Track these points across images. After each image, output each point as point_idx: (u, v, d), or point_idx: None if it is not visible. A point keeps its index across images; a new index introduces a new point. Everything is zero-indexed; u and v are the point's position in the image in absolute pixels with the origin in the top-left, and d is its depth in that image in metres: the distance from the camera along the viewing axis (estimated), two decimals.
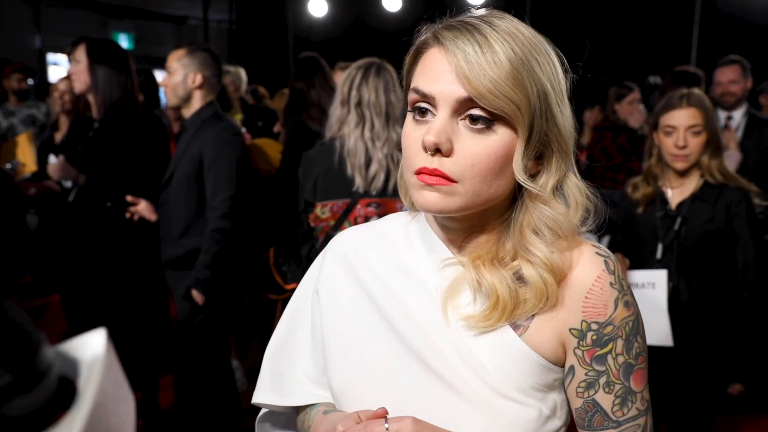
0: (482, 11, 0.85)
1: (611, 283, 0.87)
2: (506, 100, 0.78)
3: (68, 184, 3.12)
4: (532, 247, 0.86)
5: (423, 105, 0.83)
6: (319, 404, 1.01)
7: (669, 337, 2.27)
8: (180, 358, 2.94)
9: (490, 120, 0.80)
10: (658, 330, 2.27)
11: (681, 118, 2.24)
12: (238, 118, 4.28)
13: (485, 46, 0.78)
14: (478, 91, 0.77)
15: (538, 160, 0.85)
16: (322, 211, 2.49)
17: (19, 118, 5.35)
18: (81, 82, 2.91)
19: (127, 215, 2.89)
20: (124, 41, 12.35)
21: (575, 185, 0.88)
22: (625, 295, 0.88)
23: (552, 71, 0.83)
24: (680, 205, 2.32)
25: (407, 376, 0.90)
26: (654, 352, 2.31)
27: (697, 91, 2.35)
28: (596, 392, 0.87)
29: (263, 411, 1.10)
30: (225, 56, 12.44)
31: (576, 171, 0.89)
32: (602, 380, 0.87)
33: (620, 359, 0.87)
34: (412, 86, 0.85)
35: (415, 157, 0.83)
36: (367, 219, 2.39)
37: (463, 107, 0.80)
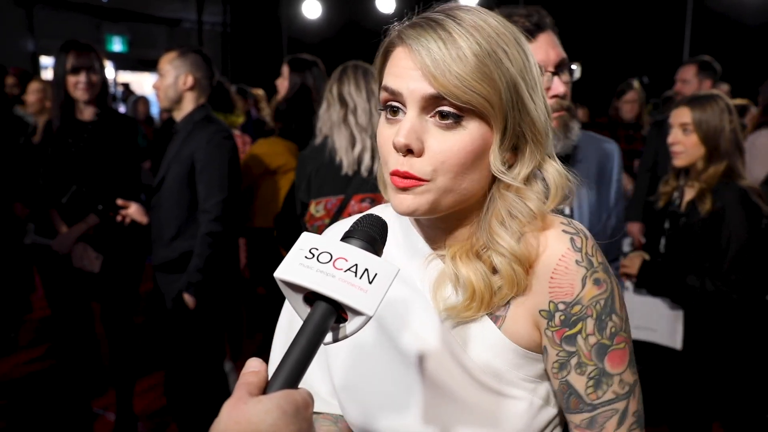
0: (449, 4, 0.85)
1: (577, 261, 0.84)
2: (473, 94, 0.78)
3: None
4: (498, 238, 0.85)
5: (394, 103, 0.83)
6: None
7: (679, 341, 2.30)
8: (172, 360, 2.93)
9: (459, 115, 0.80)
10: (670, 332, 2.32)
11: (673, 116, 2.38)
12: (239, 120, 4.24)
13: (449, 41, 0.78)
14: (444, 87, 0.77)
15: (513, 151, 0.85)
16: (317, 209, 2.49)
17: None
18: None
19: (119, 218, 2.89)
20: (117, 44, 12.32)
21: (555, 170, 0.87)
22: (595, 272, 0.85)
23: (522, 60, 0.82)
24: (688, 203, 2.34)
25: (400, 377, 0.90)
26: (659, 352, 2.34)
27: (702, 92, 2.42)
28: (568, 373, 0.86)
29: None
30: (219, 59, 12.43)
31: (555, 156, 0.88)
32: (573, 361, 0.85)
33: (591, 339, 0.84)
34: (382, 84, 0.85)
35: (388, 156, 0.83)
36: None
37: (431, 104, 0.80)
